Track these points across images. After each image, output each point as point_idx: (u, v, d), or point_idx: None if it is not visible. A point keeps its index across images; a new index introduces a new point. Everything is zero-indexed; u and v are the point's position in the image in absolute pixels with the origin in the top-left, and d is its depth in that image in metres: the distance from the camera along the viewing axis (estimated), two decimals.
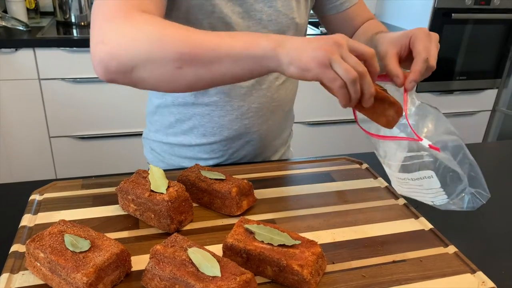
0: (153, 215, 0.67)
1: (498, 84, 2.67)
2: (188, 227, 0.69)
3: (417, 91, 2.51)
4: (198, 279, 0.51)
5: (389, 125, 0.67)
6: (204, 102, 0.88)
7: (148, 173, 0.69)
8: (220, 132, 0.91)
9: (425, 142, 0.64)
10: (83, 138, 2.11)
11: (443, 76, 2.54)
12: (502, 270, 0.65)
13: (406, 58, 0.73)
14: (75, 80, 1.98)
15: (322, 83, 0.60)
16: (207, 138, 0.93)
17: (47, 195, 0.74)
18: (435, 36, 0.71)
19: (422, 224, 0.72)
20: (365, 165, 0.91)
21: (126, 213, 0.71)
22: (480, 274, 0.61)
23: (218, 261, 0.53)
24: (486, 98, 2.69)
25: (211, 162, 0.95)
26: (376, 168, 0.89)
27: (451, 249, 0.66)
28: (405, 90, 0.68)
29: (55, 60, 1.93)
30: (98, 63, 0.61)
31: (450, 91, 2.59)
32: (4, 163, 2.04)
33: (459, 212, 0.74)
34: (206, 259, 0.53)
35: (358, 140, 2.38)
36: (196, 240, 0.65)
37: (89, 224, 0.67)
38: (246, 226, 0.62)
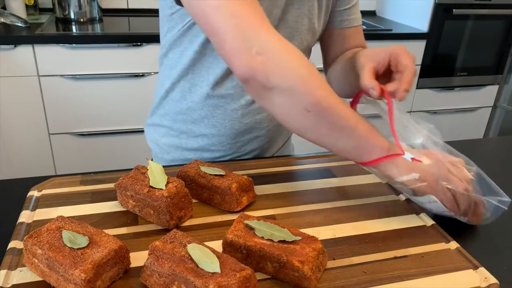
0: (152, 211, 0.66)
1: (499, 80, 2.67)
2: (187, 223, 0.68)
3: (417, 88, 2.50)
4: (197, 276, 0.50)
5: (478, 221, 0.71)
6: (220, 94, 0.88)
7: (147, 169, 0.69)
8: (231, 125, 0.91)
9: (407, 156, 0.67)
10: (82, 135, 2.11)
11: (443, 72, 2.53)
12: (505, 266, 0.65)
13: (383, 74, 0.75)
14: (75, 77, 1.98)
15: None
16: (217, 129, 0.92)
17: (45, 191, 0.74)
18: (413, 56, 0.74)
19: (424, 220, 0.72)
20: None
21: (125, 209, 0.70)
22: (482, 270, 0.60)
23: (218, 257, 0.53)
24: (487, 94, 2.69)
25: (217, 155, 0.95)
26: None
27: (453, 245, 0.66)
28: (389, 102, 0.71)
29: (54, 57, 1.92)
30: (246, 68, 0.63)
31: (450, 87, 2.58)
32: (3, 160, 2.04)
33: None
34: (205, 255, 0.53)
35: None
36: (196, 236, 0.65)
37: (88, 220, 0.66)
38: (246, 222, 0.61)
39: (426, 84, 2.52)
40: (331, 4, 0.92)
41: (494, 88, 2.68)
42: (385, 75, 0.75)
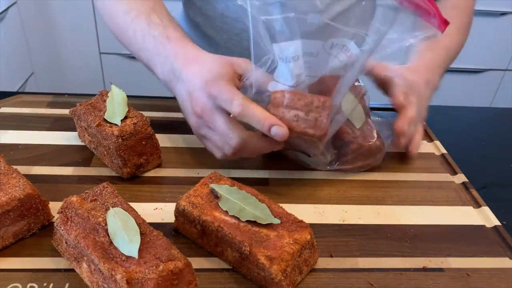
0: (106, 152, 0.50)
1: None
2: (151, 173, 0.52)
3: None
4: (105, 256, 0.34)
5: None
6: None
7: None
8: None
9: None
10: (132, 57, 2.00)
11: None
12: None
13: None
14: None
15: None
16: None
17: (2, 110, 0.61)
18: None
19: (484, 216, 0.49)
20: None
21: (83, 143, 0.55)
22: None
23: (145, 234, 0.36)
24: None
25: None
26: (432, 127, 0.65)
27: None
28: None
29: None
30: None
31: None
32: (57, 76, 2.02)
33: None
34: (126, 228, 0.36)
35: None
36: (155, 193, 0.49)
37: (37, 152, 0.53)
38: (213, 186, 0.43)
39: None
40: None
41: None
42: None
